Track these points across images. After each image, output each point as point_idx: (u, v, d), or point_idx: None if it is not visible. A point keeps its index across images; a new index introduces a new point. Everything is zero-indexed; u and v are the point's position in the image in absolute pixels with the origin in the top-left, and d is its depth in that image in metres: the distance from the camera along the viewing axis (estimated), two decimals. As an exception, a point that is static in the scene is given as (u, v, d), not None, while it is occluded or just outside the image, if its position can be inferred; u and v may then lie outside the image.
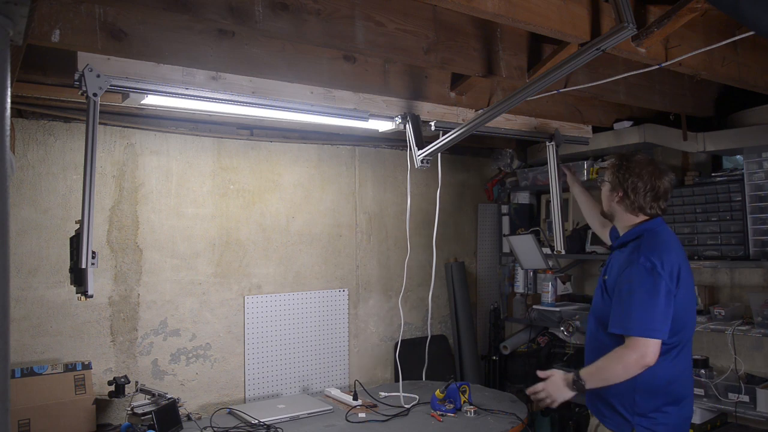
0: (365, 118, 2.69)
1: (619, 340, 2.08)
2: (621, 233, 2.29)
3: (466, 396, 3.01)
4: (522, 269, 4.17)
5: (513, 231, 3.94)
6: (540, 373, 2.20)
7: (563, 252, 3.26)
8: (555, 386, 2.14)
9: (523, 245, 3.65)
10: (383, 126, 2.95)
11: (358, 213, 3.78)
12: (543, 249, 3.62)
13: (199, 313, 3.19)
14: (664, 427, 2.09)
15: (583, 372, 2.10)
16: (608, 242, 2.68)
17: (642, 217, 2.21)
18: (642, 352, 1.98)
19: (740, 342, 3.22)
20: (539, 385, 2.18)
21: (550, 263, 3.73)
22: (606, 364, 2.06)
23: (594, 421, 2.32)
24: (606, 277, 2.22)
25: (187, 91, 2.22)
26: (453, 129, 2.60)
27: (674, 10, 1.96)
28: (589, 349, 2.29)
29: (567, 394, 2.12)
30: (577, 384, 2.09)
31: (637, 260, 2.06)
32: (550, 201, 3.34)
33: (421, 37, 2.20)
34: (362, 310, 3.79)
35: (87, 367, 2.77)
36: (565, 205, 3.27)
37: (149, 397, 2.76)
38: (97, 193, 2.38)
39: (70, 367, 2.73)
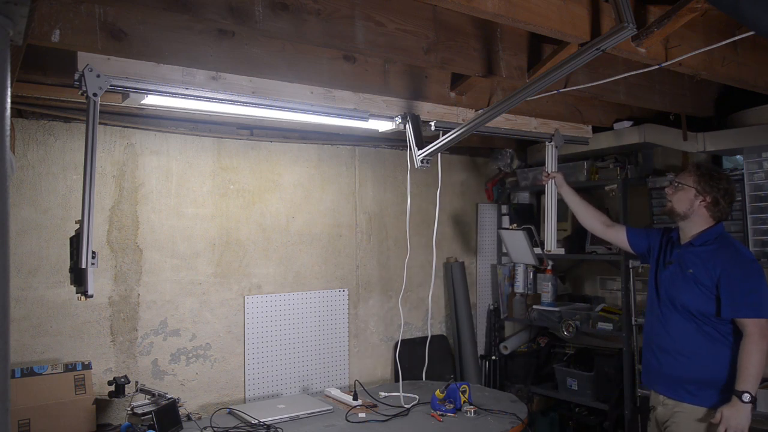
0: (365, 118, 2.69)
1: (715, 324, 2.35)
2: (691, 233, 2.49)
3: (466, 396, 3.01)
4: (521, 269, 4.17)
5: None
6: (714, 420, 2.30)
7: (552, 251, 3.27)
8: (733, 419, 2.24)
9: (515, 240, 3.67)
10: (383, 126, 2.95)
11: (358, 213, 3.78)
12: (535, 248, 3.64)
13: (199, 313, 3.19)
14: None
15: (738, 385, 2.26)
16: (619, 242, 2.86)
17: (713, 221, 2.48)
18: (763, 331, 2.26)
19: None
20: (721, 428, 2.26)
21: (550, 263, 3.74)
22: (748, 363, 2.25)
23: (665, 409, 2.48)
24: (691, 270, 2.43)
25: (187, 91, 2.22)
26: (453, 129, 2.60)
27: (674, 10, 1.96)
28: (673, 337, 2.46)
29: (747, 415, 2.24)
30: (743, 398, 2.23)
31: (740, 253, 2.37)
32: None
33: (421, 37, 2.20)
34: (362, 310, 3.79)
35: (87, 367, 2.77)
36: (561, 206, 3.26)
37: (149, 397, 2.76)
38: (97, 193, 2.38)
39: (70, 367, 2.73)
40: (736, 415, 2.23)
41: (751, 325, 2.27)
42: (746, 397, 2.22)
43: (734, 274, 2.33)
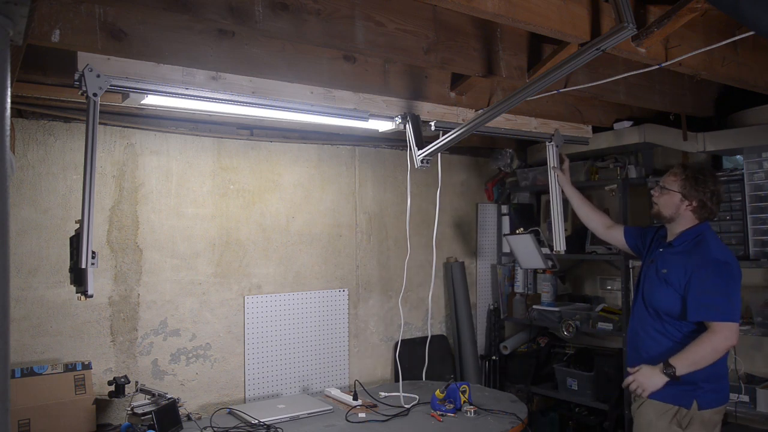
0: (365, 118, 2.69)
1: (680, 326, 2.35)
2: (675, 233, 2.49)
3: (466, 396, 3.01)
4: (521, 269, 4.17)
5: (513, 231, 3.95)
6: (630, 369, 2.41)
7: (562, 252, 3.26)
8: (645, 376, 2.33)
9: (522, 245, 3.65)
10: (383, 126, 2.95)
11: (358, 213, 3.78)
12: (542, 249, 3.62)
13: (199, 313, 3.19)
14: (716, 395, 2.38)
15: (673, 359, 2.29)
16: (618, 243, 2.88)
17: (698, 221, 2.46)
18: (727, 335, 2.26)
19: (740, 342, 3.19)
20: (629, 378, 2.38)
21: (550, 263, 3.74)
22: (696, 349, 2.28)
23: (635, 404, 2.51)
24: (665, 270, 2.42)
25: (187, 91, 2.22)
26: (453, 129, 2.60)
27: (674, 10, 1.96)
28: (641, 337, 2.48)
29: (658, 382, 2.31)
30: (668, 371, 2.28)
31: (712, 256, 2.34)
32: (549, 201, 3.34)
33: (421, 37, 2.20)
34: (362, 310, 3.79)
35: (87, 367, 2.77)
36: (564, 204, 3.27)
37: (149, 397, 2.76)
38: (97, 193, 2.38)
39: (70, 367, 2.73)
40: (650, 377, 2.31)
41: (718, 325, 2.27)
42: (670, 371, 2.27)
43: (703, 277, 2.31)
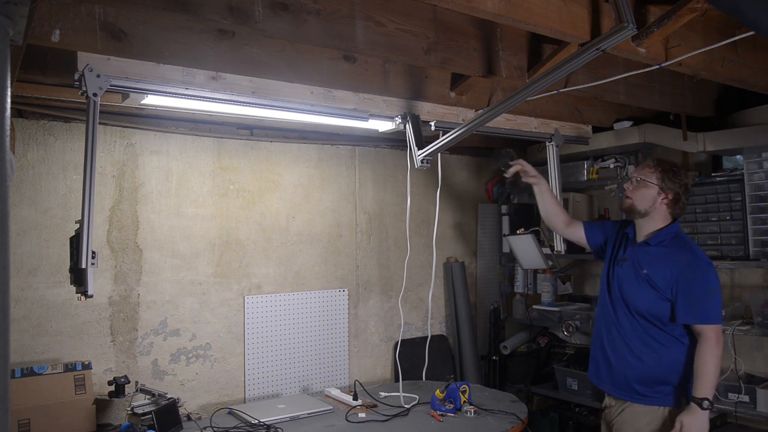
0: (365, 118, 2.69)
1: (669, 329, 2.30)
2: (648, 231, 2.41)
3: (466, 396, 3.01)
4: (522, 269, 4.17)
5: (513, 231, 3.94)
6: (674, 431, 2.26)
7: (563, 252, 3.26)
8: (694, 427, 2.21)
9: (523, 245, 3.65)
10: (383, 126, 2.96)
11: (358, 213, 3.78)
12: (543, 249, 3.62)
13: (199, 313, 3.19)
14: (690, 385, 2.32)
15: (697, 392, 2.22)
16: (579, 240, 2.74)
17: (671, 219, 2.40)
18: (719, 337, 2.24)
19: (740, 342, 3.22)
20: None
21: (550, 263, 3.74)
22: (708, 369, 2.22)
23: (613, 410, 2.45)
24: (646, 271, 2.34)
25: (187, 91, 2.23)
26: (453, 129, 2.60)
27: (674, 10, 1.96)
28: (625, 343, 2.39)
29: (706, 421, 2.22)
30: (704, 405, 2.20)
31: (697, 257, 2.30)
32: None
33: (421, 37, 2.21)
34: (362, 310, 3.79)
35: (87, 367, 2.77)
36: (565, 204, 3.27)
37: (149, 397, 2.76)
38: (97, 193, 2.38)
39: (70, 367, 2.73)
40: (696, 423, 2.20)
41: (708, 331, 2.23)
42: (706, 404, 2.20)
43: (692, 280, 2.26)
